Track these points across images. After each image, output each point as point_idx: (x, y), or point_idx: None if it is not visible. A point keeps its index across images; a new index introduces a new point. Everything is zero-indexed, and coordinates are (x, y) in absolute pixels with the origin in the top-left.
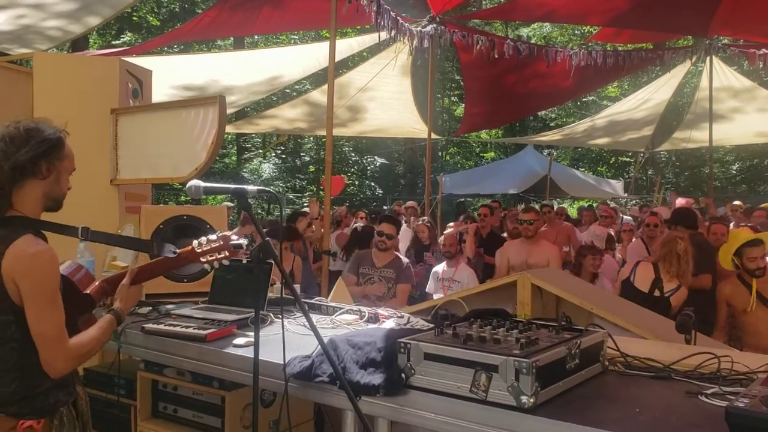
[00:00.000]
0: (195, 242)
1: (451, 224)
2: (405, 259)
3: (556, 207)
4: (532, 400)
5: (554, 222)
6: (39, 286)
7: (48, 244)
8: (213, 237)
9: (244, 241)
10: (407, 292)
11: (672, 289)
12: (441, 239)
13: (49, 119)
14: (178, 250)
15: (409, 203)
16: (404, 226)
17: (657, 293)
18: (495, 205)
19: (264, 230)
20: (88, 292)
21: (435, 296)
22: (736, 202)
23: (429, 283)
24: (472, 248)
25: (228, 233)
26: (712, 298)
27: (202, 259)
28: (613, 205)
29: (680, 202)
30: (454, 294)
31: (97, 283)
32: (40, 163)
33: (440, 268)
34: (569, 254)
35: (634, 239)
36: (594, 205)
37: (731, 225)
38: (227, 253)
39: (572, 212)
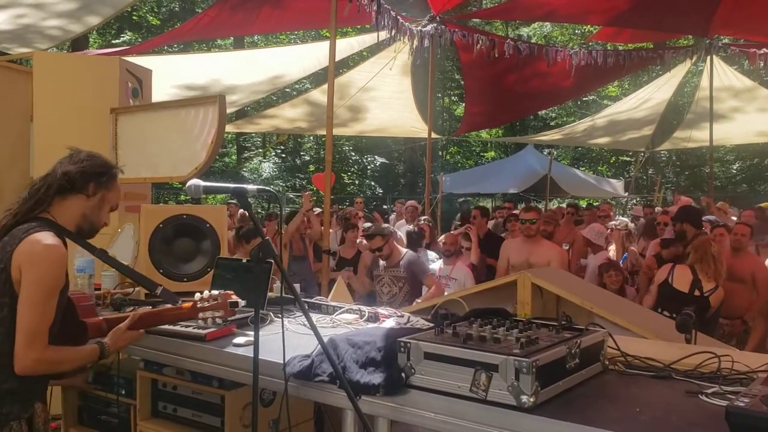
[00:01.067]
0: (197, 296)
1: (454, 231)
2: (411, 254)
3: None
4: (532, 400)
5: (571, 225)
6: (41, 278)
7: (64, 246)
8: (215, 293)
9: (242, 303)
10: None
11: (711, 289)
12: (441, 238)
13: (111, 159)
14: (180, 302)
15: (410, 203)
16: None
17: (697, 293)
18: (509, 205)
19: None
20: (84, 320)
21: None
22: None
23: None
24: (476, 254)
25: (229, 292)
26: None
27: (201, 315)
28: (613, 201)
29: (682, 200)
30: (455, 293)
31: (97, 319)
32: (90, 181)
33: (437, 266)
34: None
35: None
36: (594, 204)
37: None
38: (224, 312)
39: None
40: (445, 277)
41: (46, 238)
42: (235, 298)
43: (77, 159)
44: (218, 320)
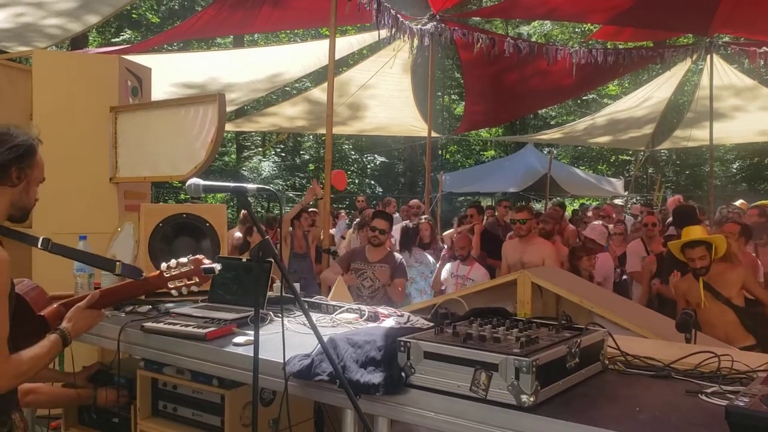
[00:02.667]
0: (164, 265)
1: (453, 230)
2: (398, 255)
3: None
4: (532, 399)
5: (561, 223)
6: None
7: (3, 249)
8: (183, 260)
9: (217, 266)
10: (403, 285)
11: None
12: (448, 235)
13: (22, 125)
14: (143, 274)
15: (413, 202)
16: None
17: None
18: (506, 204)
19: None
20: (42, 314)
21: (446, 289)
22: (739, 202)
23: (441, 275)
24: (477, 248)
25: (200, 257)
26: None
27: (170, 285)
28: (618, 201)
29: (671, 200)
30: (454, 293)
31: (54, 306)
32: (10, 170)
33: (452, 265)
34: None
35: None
36: (593, 203)
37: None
38: (197, 279)
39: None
40: (462, 277)
41: None
42: (207, 262)
43: None
44: (194, 288)
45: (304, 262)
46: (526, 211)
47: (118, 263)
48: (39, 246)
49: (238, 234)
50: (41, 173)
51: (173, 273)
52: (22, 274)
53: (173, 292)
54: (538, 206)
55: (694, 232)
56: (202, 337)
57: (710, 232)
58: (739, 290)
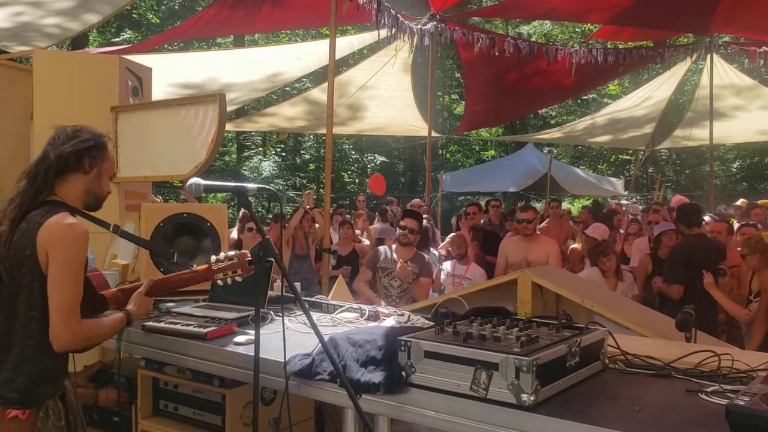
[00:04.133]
0: (213, 258)
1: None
2: (426, 255)
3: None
4: (532, 398)
5: (558, 219)
6: (68, 257)
7: (83, 225)
8: (231, 254)
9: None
10: (429, 286)
11: None
12: (448, 240)
13: (95, 127)
14: (195, 267)
15: (415, 201)
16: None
17: None
18: (495, 203)
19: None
20: (104, 293)
21: (444, 289)
22: (740, 201)
23: (440, 276)
24: (475, 253)
25: (246, 252)
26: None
27: (216, 277)
28: (625, 202)
29: (675, 200)
30: (454, 292)
31: (113, 289)
32: (84, 158)
33: (450, 264)
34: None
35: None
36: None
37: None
38: (241, 272)
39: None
40: (459, 277)
41: (66, 218)
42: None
43: (65, 138)
44: (238, 279)
45: (305, 263)
46: (531, 211)
47: (175, 252)
48: (110, 230)
49: (233, 236)
50: (112, 167)
51: (221, 266)
52: None
53: (219, 282)
54: (537, 206)
55: None
56: (203, 336)
57: None
58: None
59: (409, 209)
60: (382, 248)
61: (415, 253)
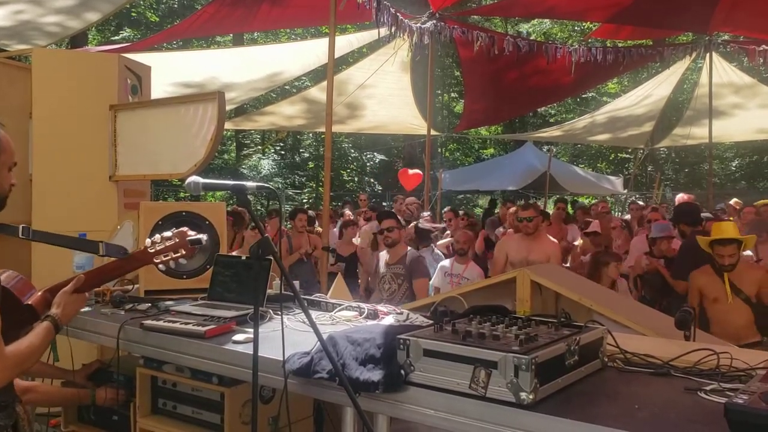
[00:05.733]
0: (148, 241)
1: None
2: (414, 251)
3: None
4: (531, 397)
5: (561, 220)
6: None
7: None
8: (168, 234)
9: (203, 237)
10: (425, 286)
11: None
12: (455, 236)
13: None
14: (129, 251)
15: (409, 200)
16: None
17: None
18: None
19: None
20: (29, 303)
21: (442, 290)
22: (734, 200)
23: (435, 276)
24: (481, 245)
25: (184, 229)
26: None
27: (156, 260)
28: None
29: (679, 198)
30: (453, 291)
31: (39, 293)
32: None
33: (448, 263)
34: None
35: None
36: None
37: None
38: (184, 252)
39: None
40: (457, 276)
41: None
42: (192, 233)
43: None
44: (182, 261)
45: (305, 265)
46: (532, 209)
47: (101, 244)
48: (20, 235)
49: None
50: (10, 158)
51: (158, 248)
52: (22, 271)
53: (160, 266)
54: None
55: (727, 229)
56: (202, 334)
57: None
58: (758, 290)
59: (383, 211)
60: (377, 254)
61: (405, 253)
